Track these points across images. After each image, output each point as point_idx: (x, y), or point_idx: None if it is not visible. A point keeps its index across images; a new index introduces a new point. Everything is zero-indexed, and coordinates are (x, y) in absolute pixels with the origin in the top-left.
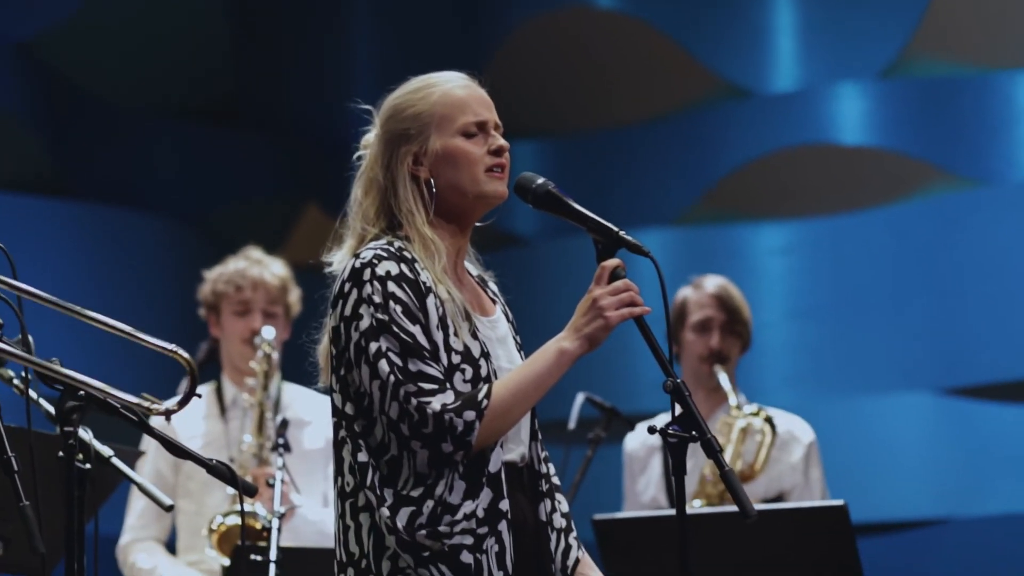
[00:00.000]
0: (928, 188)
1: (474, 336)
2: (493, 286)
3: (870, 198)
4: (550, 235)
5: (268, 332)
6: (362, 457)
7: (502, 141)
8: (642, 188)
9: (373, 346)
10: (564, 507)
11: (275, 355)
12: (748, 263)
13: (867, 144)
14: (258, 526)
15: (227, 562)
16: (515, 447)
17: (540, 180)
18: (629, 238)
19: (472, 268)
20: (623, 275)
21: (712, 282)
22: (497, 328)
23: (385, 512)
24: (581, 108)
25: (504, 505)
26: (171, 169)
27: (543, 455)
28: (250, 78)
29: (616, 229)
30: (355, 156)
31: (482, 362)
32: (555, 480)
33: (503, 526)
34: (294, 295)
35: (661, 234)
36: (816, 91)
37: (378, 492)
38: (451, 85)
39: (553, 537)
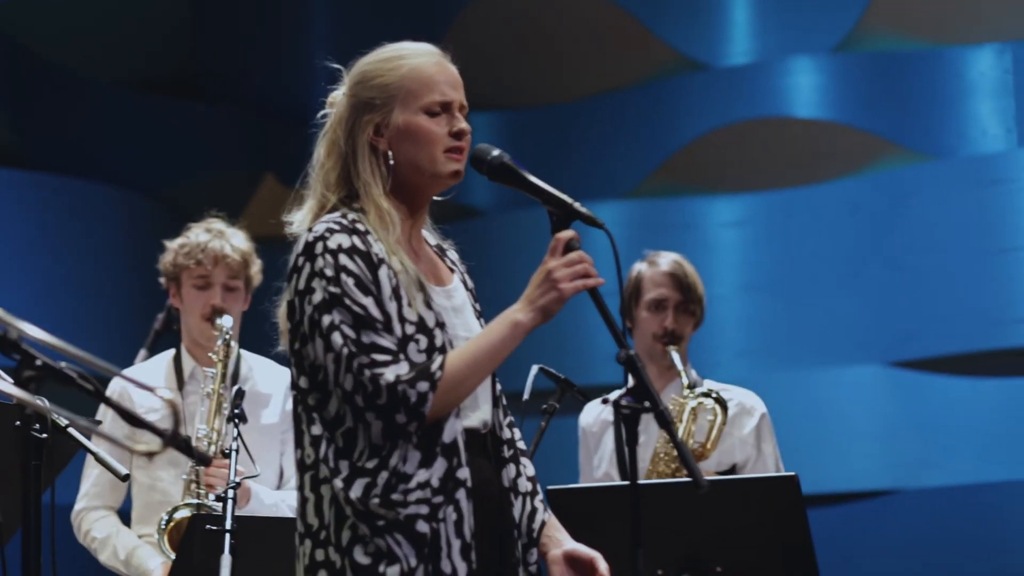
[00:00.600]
0: (880, 161)
1: (428, 306)
2: (452, 254)
3: (823, 171)
4: (505, 207)
5: (227, 320)
6: (316, 430)
7: (464, 124)
8: (597, 160)
9: (326, 319)
10: (529, 471)
11: (234, 344)
12: (702, 236)
13: (820, 118)
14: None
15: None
16: (473, 413)
17: (496, 152)
18: (583, 210)
19: (430, 237)
20: (577, 247)
21: (667, 259)
22: (453, 297)
23: (339, 484)
24: (536, 80)
25: (463, 473)
26: (130, 141)
27: (506, 420)
28: (208, 50)
29: (570, 201)
30: (320, 113)
31: (436, 332)
32: (520, 444)
33: (461, 495)
34: (255, 268)
35: (616, 206)
36: (770, 65)
37: (332, 464)
38: (422, 60)
39: (517, 502)
